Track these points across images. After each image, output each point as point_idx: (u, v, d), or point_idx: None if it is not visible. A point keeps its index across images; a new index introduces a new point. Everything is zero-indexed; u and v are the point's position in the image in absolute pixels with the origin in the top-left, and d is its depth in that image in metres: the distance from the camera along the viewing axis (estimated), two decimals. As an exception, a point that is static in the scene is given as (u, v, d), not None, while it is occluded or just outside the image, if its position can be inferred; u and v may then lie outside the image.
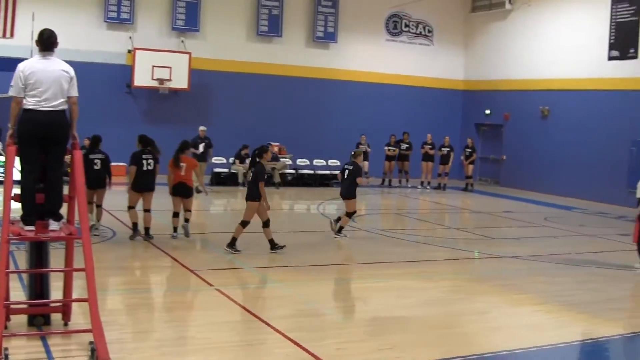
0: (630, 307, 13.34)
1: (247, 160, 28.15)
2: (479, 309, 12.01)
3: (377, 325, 10.71)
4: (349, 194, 17.70)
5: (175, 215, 16.60)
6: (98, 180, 15.84)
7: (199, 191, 21.83)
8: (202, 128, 26.26)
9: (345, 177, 17.78)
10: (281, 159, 29.53)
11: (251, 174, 15.26)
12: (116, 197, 18.56)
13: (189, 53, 29.47)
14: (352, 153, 18.48)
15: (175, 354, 8.80)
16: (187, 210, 16.79)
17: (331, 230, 17.82)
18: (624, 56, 28.06)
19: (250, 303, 11.05)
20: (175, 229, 16.55)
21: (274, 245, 15.32)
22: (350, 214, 17.70)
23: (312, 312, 11.16)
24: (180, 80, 29.22)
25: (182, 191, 16.57)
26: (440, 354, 9.32)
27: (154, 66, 28.71)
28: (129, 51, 29.02)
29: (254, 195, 15.08)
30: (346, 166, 18.04)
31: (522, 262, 16.13)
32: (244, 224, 15.23)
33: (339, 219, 17.86)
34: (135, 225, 16.05)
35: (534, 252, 17.22)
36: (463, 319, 11.33)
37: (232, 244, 15.17)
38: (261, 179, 15.11)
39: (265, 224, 15.25)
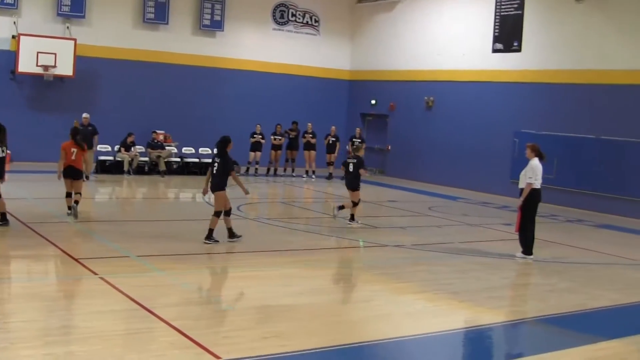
0: (511, 295, 13.69)
1: (133, 148, 27.95)
2: (363, 297, 12.19)
3: (263, 313, 10.77)
4: (353, 185, 19.46)
5: (68, 195, 17.38)
6: None
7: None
8: (84, 115, 25.79)
9: (350, 170, 19.41)
10: (167, 147, 29.31)
11: (216, 165, 15.61)
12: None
13: (75, 39, 28.94)
14: (354, 147, 20.73)
15: (59, 343, 8.68)
16: (77, 192, 17.32)
17: (332, 216, 19.71)
18: (507, 49, 28.78)
19: (135, 292, 10.96)
20: (69, 208, 17.31)
21: (232, 234, 15.70)
22: (356, 203, 19.36)
23: (198, 300, 11.16)
24: (65, 67, 28.68)
25: (71, 174, 17.27)
26: (324, 342, 9.43)
27: (38, 52, 28.11)
28: (13, 37, 28.34)
29: (222, 185, 15.47)
30: (349, 160, 19.64)
31: (406, 251, 16.40)
32: (218, 214, 15.51)
33: (341, 207, 19.58)
34: (4, 215, 15.93)
35: (417, 241, 17.54)
36: (347, 307, 11.49)
37: (209, 236, 15.43)
38: (231, 168, 15.62)
39: (227, 212, 15.66)
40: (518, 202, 15.98)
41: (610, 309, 12.50)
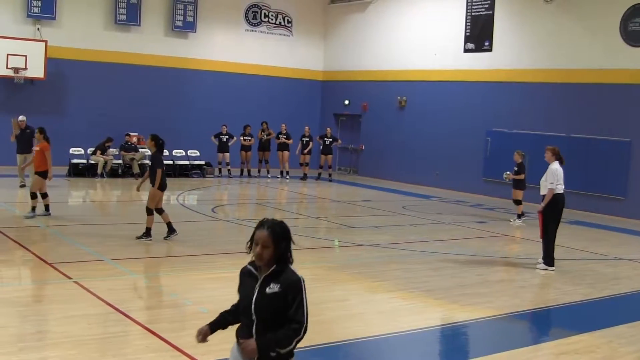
0: (485, 292, 13.75)
1: (107, 151, 27.86)
2: (337, 296, 12.19)
3: (236, 314, 10.79)
4: (518, 186, 22.34)
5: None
6: None
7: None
8: (21, 118, 23.67)
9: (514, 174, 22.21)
10: (140, 149, 29.22)
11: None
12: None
13: (45, 41, 28.76)
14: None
15: (33, 349, 8.66)
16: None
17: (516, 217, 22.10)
18: (479, 49, 28.98)
19: (110, 295, 10.94)
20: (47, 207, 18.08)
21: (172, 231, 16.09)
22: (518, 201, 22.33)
23: (172, 303, 11.16)
24: (36, 69, 28.46)
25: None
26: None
27: (8, 54, 27.87)
28: (-18, 39, 28.18)
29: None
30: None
31: (380, 249, 16.48)
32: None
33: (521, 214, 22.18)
34: None
35: (392, 240, 17.63)
36: (322, 307, 11.48)
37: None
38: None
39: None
40: (539, 207, 15.14)
41: (582, 304, 12.65)
